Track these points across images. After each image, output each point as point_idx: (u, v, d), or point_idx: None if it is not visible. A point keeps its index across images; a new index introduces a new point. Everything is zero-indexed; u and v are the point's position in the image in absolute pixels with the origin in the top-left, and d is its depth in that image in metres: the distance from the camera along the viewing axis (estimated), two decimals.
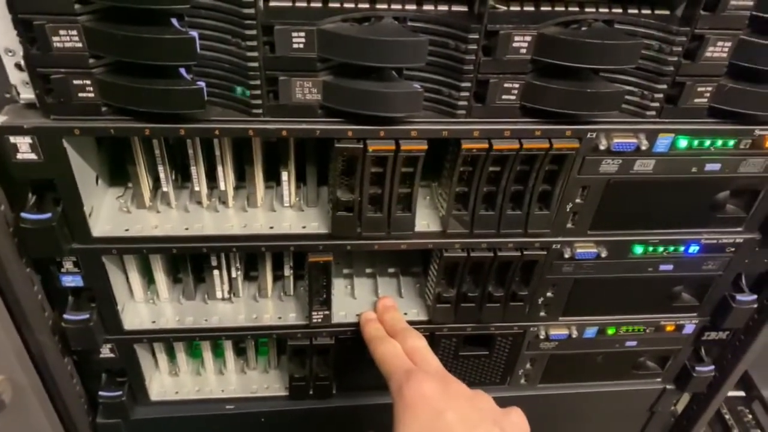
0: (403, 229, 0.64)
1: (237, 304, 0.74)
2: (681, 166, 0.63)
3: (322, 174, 0.66)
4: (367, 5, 0.52)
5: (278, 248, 0.66)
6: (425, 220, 0.67)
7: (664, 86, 0.57)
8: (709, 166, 0.63)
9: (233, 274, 0.71)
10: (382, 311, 0.71)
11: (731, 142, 0.62)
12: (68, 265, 0.63)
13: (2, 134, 0.53)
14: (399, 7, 0.53)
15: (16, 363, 0.64)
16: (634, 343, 0.81)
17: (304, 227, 0.65)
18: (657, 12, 0.55)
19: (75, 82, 0.51)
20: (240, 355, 0.83)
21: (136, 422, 0.79)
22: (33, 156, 0.54)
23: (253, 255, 0.73)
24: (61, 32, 0.48)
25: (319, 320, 0.71)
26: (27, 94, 0.53)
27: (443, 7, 0.53)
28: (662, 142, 0.61)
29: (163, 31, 0.48)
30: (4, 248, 0.58)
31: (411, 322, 0.72)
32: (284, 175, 0.65)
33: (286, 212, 0.67)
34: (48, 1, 0.46)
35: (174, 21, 0.49)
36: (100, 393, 0.75)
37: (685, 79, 0.57)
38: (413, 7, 0.53)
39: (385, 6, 0.52)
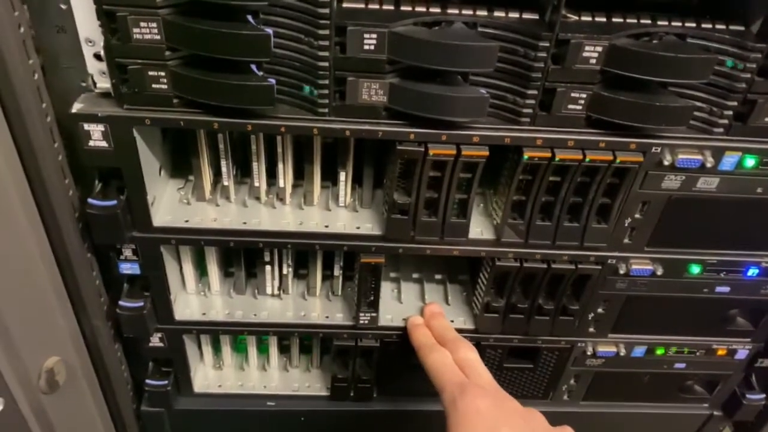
0: (456, 235, 0.64)
1: (285, 300, 0.74)
2: (746, 186, 0.62)
3: (377, 176, 0.67)
4: (438, 9, 0.53)
5: (331, 247, 0.66)
6: (479, 227, 0.67)
7: (735, 103, 0.56)
8: None
9: (284, 271, 0.72)
10: (429, 317, 0.71)
11: None
12: (127, 252, 0.65)
13: (77, 121, 0.55)
14: (470, 12, 0.53)
15: (70, 346, 0.66)
16: (683, 365, 0.79)
17: (358, 228, 0.65)
18: (731, 27, 0.55)
19: (150, 73, 0.52)
20: (283, 353, 0.84)
21: (179, 412, 0.80)
22: (104, 144, 0.56)
23: (303, 253, 0.74)
24: (142, 24, 0.49)
25: (366, 322, 0.72)
26: (103, 83, 0.55)
27: (514, 14, 0.53)
28: (728, 161, 0.60)
29: (240, 27, 0.49)
30: (70, 233, 0.60)
31: (457, 331, 0.72)
32: (341, 175, 0.65)
33: (341, 212, 0.67)
34: None
35: (250, 18, 0.49)
36: (147, 381, 0.77)
37: (757, 96, 0.55)
38: (484, 12, 0.53)
39: (456, 11, 0.53)
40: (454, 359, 0.63)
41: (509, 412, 0.56)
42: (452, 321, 0.74)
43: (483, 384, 0.60)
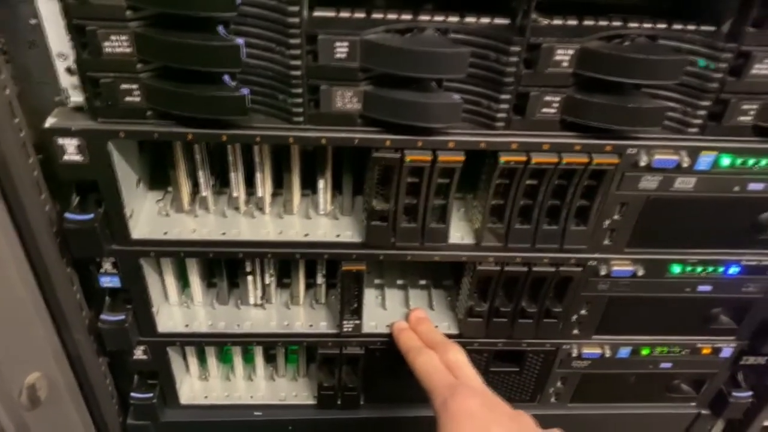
0: (437, 241, 0.64)
1: (269, 310, 0.74)
2: (723, 185, 0.62)
3: (357, 183, 0.67)
4: (409, 16, 0.53)
5: (312, 256, 0.66)
6: (459, 232, 0.67)
7: (708, 103, 0.56)
8: (752, 186, 0.62)
9: (266, 281, 0.72)
10: (415, 323, 0.71)
11: None
12: (107, 266, 0.64)
13: (51, 136, 0.54)
14: (441, 18, 0.53)
15: (52, 361, 0.65)
16: (668, 365, 0.79)
17: (338, 236, 0.65)
18: (702, 28, 0.55)
19: (123, 86, 0.52)
20: (269, 362, 0.83)
21: (165, 425, 0.80)
22: (79, 157, 0.56)
23: (285, 262, 0.74)
24: (112, 37, 0.49)
25: (350, 329, 0.71)
26: (76, 98, 0.55)
27: (485, 20, 0.53)
28: (704, 160, 0.60)
29: (210, 38, 0.49)
30: (48, 248, 0.60)
31: None
32: (321, 183, 0.65)
33: (321, 220, 0.67)
34: (101, 8, 0.48)
35: (220, 28, 0.50)
36: (132, 394, 0.76)
37: (729, 96, 0.56)
38: (455, 19, 0.53)
39: (427, 17, 0.53)
40: (442, 361, 0.63)
41: (500, 413, 0.56)
42: (437, 326, 0.74)
43: (473, 385, 0.60)
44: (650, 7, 0.57)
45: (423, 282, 0.79)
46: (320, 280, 0.73)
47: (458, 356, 0.64)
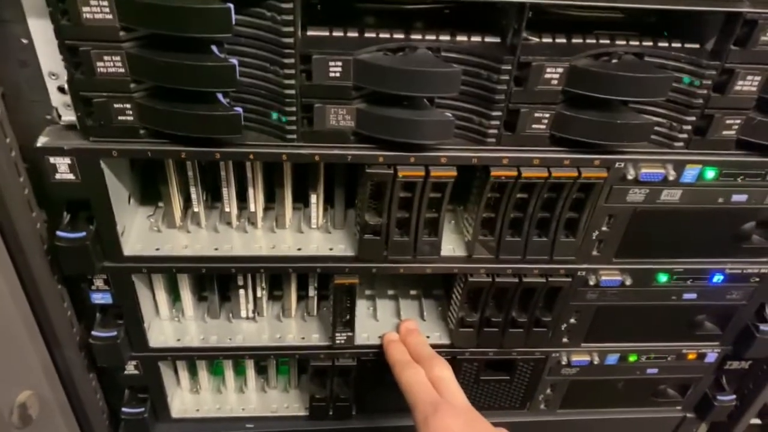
0: (429, 254, 0.65)
1: (261, 323, 0.74)
2: (707, 197, 0.63)
3: (349, 197, 0.67)
4: (401, 36, 0.53)
5: (305, 270, 0.67)
6: (451, 244, 0.67)
7: (693, 118, 0.58)
8: (735, 197, 0.64)
9: (258, 294, 0.72)
10: (405, 334, 0.72)
11: (758, 174, 0.62)
12: (99, 282, 0.64)
13: (43, 155, 0.54)
14: (433, 37, 0.54)
15: (43, 378, 0.65)
16: (655, 370, 0.81)
17: (331, 249, 0.66)
18: (687, 45, 0.56)
19: (116, 105, 0.52)
20: (261, 374, 0.83)
21: None
22: (71, 176, 0.56)
23: (277, 275, 0.74)
24: (106, 58, 0.49)
25: (342, 342, 0.72)
26: (68, 117, 0.55)
27: (476, 38, 0.54)
28: (689, 173, 0.61)
29: (204, 58, 0.49)
30: (38, 265, 0.59)
31: (433, 346, 0.73)
32: (313, 198, 0.66)
33: (314, 234, 0.67)
34: (94, 29, 0.47)
35: (214, 48, 0.50)
36: (123, 410, 0.76)
37: (714, 111, 0.57)
38: (447, 38, 0.54)
39: (419, 36, 0.53)
40: (428, 377, 0.63)
41: (480, 431, 0.57)
42: (428, 336, 0.74)
43: (456, 403, 0.60)
44: (637, 24, 0.58)
45: (414, 292, 0.80)
46: (312, 292, 0.74)
47: (444, 372, 0.64)
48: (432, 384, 0.62)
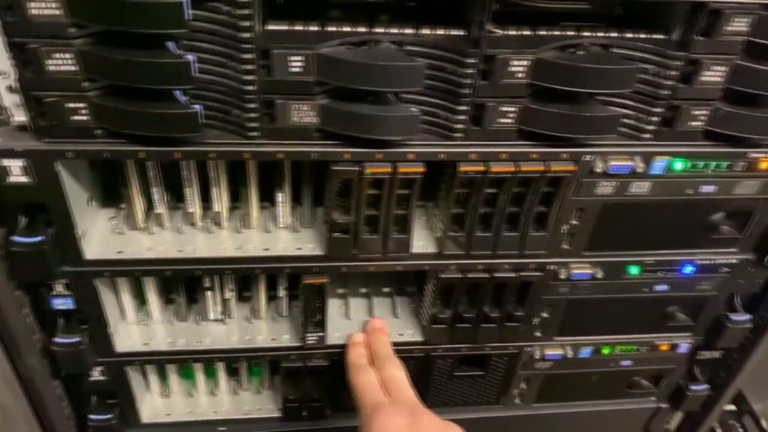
0: (399, 251, 0.64)
1: (230, 325, 0.73)
2: (676, 188, 0.63)
3: (317, 194, 0.66)
4: (364, 29, 0.52)
5: (273, 270, 0.65)
6: (421, 241, 0.66)
7: (660, 109, 0.57)
8: (704, 188, 0.64)
9: (226, 296, 0.70)
10: (369, 333, 0.71)
11: (726, 165, 0.62)
12: (59, 288, 0.62)
13: None
14: (396, 31, 0.53)
15: (4, 387, 0.63)
16: (628, 362, 0.81)
17: (299, 249, 0.64)
18: (653, 36, 0.56)
19: (68, 105, 0.50)
20: (232, 376, 0.82)
21: None
22: (25, 179, 0.54)
23: (246, 276, 0.72)
24: (56, 56, 0.47)
25: (314, 342, 0.71)
26: (19, 117, 0.52)
27: (441, 32, 0.53)
28: (658, 165, 0.61)
29: (159, 54, 0.48)
30: None
31: (406, 343, 0.72)
32: (279, 197, 0.64)
33: (281, 233, 0.66)
34: (42, 25, 0.46)
35: (170, 45, 0.48)
36: (90, 417, 0.74)
37: (680, 102, 0.57)
38: (411, 31, 0.53)
39: (382, 30, 0.52)
40: (381, 377, 0.64)
41: (423, 428, 0.57)
42: (401, 334, 0.74)
43: (403, 401, 0.61)
44: (603, 15, 0.58)
45: (387, 290, 0.79)
46: (282, 293, 0.72)
47: (395, 372, 0.65)
48: (384, 384, 0.63)
